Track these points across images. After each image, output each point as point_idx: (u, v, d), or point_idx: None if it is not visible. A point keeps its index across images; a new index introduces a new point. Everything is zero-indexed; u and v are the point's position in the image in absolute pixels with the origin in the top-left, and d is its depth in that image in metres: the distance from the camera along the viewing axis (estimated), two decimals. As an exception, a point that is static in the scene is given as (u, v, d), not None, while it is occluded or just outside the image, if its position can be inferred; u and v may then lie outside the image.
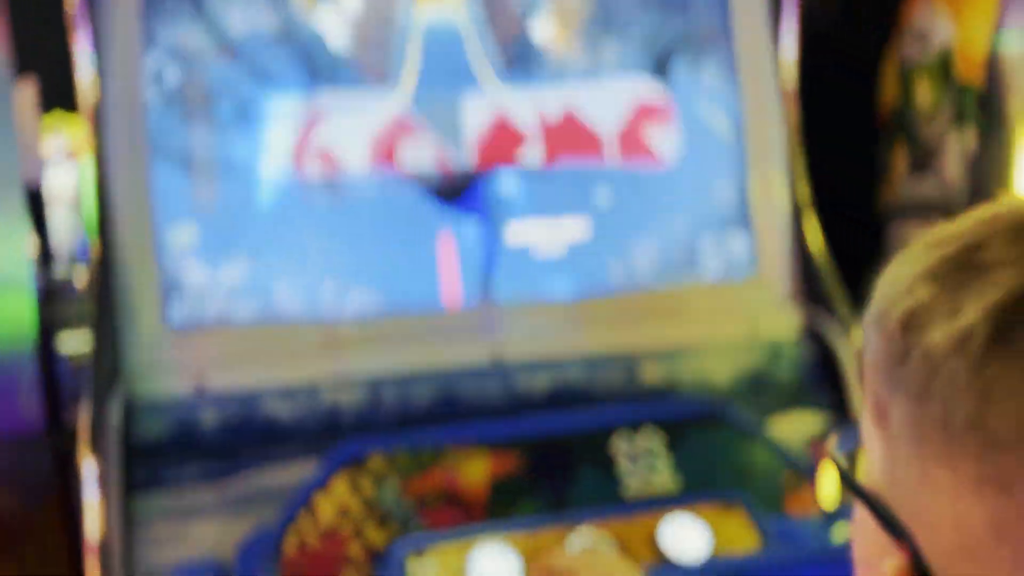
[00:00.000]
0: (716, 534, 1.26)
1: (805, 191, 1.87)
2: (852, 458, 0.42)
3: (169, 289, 1.62)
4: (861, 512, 0.40)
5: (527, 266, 1.75)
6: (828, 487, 1.36)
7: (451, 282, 1.71)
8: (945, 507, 0.34)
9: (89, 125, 1.57)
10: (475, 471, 1.35)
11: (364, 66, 1.70)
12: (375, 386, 1.62)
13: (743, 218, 1.88)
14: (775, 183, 1.89)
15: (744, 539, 1.26)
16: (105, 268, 1.58)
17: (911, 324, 0.35)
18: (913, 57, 1.96)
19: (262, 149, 1.66)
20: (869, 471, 0.39)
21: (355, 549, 1.25)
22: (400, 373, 1.63)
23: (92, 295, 1.56)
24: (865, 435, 0.40)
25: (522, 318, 1.72)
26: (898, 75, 2.01)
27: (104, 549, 1.40)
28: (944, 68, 1.87)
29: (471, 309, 1.71)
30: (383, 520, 1.28)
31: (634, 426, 1.45)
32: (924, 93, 1.93)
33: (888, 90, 2.05)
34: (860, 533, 0.41)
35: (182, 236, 1.64)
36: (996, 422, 0.31)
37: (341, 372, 1.62)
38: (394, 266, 1.69)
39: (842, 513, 1.34)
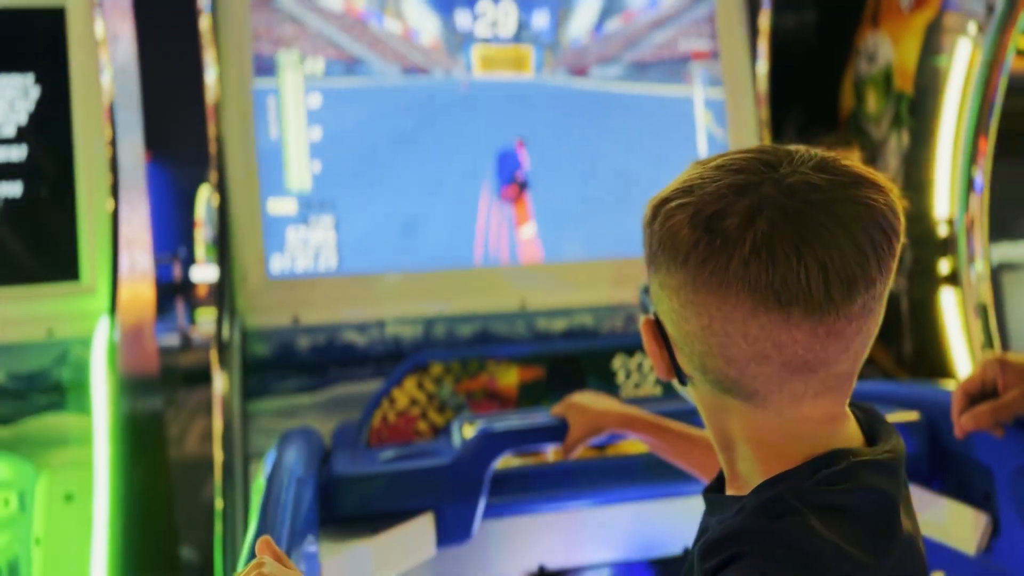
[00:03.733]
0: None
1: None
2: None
3: (271, 248, 2.10)
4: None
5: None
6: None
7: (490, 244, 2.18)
8: (652, 286, 0.76)
9: (214, 126, 2.05)
10: (508, 378, 1.81)
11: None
12: (429, 323, 2.09)
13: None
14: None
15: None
16: (225, 235, 2.06)
17: (644, 219, 0.78)
18: (864, 72, 2.41)
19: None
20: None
21: (422, 425, 1.71)
22: (448, 314, 2.10)
23: (217, 256, 2.03)
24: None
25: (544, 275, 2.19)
26: (853, 86, 2.46)
27: (228, 436, 1.87)
28: (887, 80, 2.32)
29: (504, 267, 2.18)
30: (441, 408, 1.74)
31: (630, 351, 1.91)
32: (872, 101, 2.38)
33: (846, 99, 2.50)
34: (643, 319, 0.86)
35: (281, 208, 2.11)
36: (654, 247, 0.73)
37: (404, 312, 2.09)
38: (446, 230, 2.16)
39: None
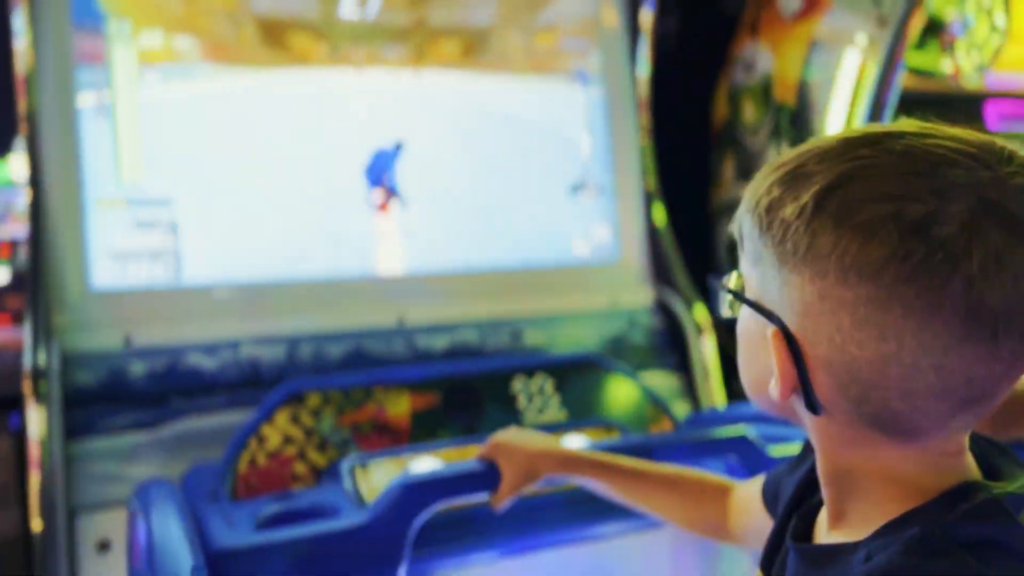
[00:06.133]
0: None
1: (654, 185, 2.23)
2: (727, 287, 0.69)
3: (96, 255, 1.74)
4: (745, 317, 0.68)
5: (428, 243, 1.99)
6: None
7: (364, 254, 1.92)
8: (795, 293, 0.60)
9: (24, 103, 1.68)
10: (399, 407, 1.57)
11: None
12: (292, 343, 1.80)
13: (609, 213, 2.21)
14: (632, 184, 2.23)
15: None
16: (38, 238, 1.68)
17: (771, 207, 0.63)
18: (740, 81, 2.36)
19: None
20: (747, 292, 0.67)
21: (300, 467, 1.44)
22: (314, 332, 1.83)
23: (29, 263, 1.66)
24: (744, 275, 0.67)
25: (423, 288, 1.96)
26: (728, 96, 2.41)
27: (47, 487, 1.51)
28: (765, 91, 2.28)
29: (378, 279, 1.93)
30: (322, 445, 1.48)
31: (528, 372, 1.72)
32: (749, 111, 2.34)
33: (720, 108, 2.45)
34: (744, 332, 0.68)
35: (107, 206, 1.76)
36: (817, 248, 0.58)
37: (262, 330, 1.79)
38: (309, 238, 1.88)
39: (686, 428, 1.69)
